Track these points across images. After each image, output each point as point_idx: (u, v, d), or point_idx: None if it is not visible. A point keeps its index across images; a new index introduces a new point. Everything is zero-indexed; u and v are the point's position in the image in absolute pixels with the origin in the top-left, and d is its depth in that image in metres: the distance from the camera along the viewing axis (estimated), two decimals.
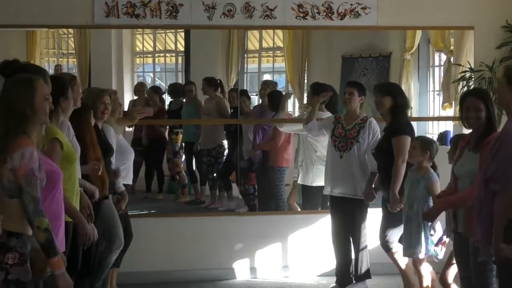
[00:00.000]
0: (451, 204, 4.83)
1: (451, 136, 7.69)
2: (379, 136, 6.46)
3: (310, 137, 7.23)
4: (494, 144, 4.09)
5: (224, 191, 9.18)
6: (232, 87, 9.50)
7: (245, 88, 9.69)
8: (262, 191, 8.47)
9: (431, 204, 5.50)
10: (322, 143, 7.20)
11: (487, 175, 4.00)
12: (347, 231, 6.57)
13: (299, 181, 7.61)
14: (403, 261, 5.98)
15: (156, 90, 9.88)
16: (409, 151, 5.74)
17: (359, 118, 6.55)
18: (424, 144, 5.68)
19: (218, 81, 9.36)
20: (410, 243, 5.63)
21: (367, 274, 6.58)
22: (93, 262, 5.38)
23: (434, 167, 5.72)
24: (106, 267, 5.72)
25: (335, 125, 6.62)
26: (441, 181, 5.61)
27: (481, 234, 4.10)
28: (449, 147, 5.67)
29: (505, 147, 3.95)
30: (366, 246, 6.54)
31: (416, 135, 6.28)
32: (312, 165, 7.42)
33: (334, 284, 6.66)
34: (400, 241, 5.93)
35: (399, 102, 6.10)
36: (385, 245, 6.04)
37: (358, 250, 6.53)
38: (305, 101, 8.35)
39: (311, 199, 7.56)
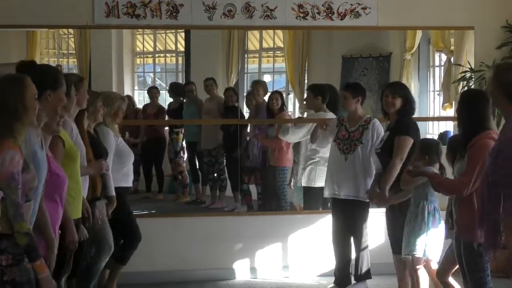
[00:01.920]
0: (442, 184, 4.87)
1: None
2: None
3: (319, 148, 7.24)
4: (495, 147, 4.07)
5: (224, 191, 9.19)
6: (227, 86, 9.48)
7: (245, 88, 9.70)
8: (265, 191, 8.46)
9: (436, 204, 5.52)
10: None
11: (490, 179, 3.98)
12: (347, 231, 6.56)
13: (303, 183, 7.59)
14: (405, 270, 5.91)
15: (157, 90, 9.95)
16: (411, 162, 5.63)
17: (362, 120, 6.54)
18: (423, 148, 5.65)
19: None
20: (414, 241, 5.60)
21: (368, 274, 6.57)
22: (82, 263, 5.34)
23: (441, 167, 5.67)
24: (95, 272, 5.66)
25: (338, 128, 6.61)
26: None
27: (485, 238, 4.08)
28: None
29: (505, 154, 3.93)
30: (367, 246, 6.53)
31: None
32: (315, 166, 7.42)
33: (332, 285, 6.66)
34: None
35: (409, 105, 6.04)
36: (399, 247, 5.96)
37: (359, 250, 6.52)
38: (305, 101, 8.33)
39: (312, 200, 7.55)
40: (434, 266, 5.64)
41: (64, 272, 4.50)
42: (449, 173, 5.42)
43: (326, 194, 6.67)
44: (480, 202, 4.11)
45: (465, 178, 4.58)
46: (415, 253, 5.57)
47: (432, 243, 5.54)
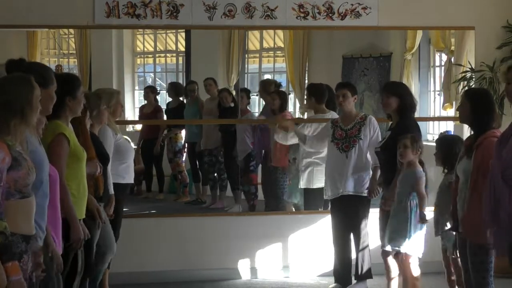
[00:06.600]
0: None
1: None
2: (379, 133, 6.48)
3: (312, 149, 7.21)
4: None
5: (224, 191, 9.19)
6: (222, 87, 9.47)
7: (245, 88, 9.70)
8: (266, 191, 8.45)
9: (416, 200, 5.56)
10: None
11: (504, 172, 3.98)
12: (347, 230, 6.55)
13: (302, 185, 7.58)
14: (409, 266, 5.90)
15: (152, 89, 9.94)
16: (401, 151, 5.64)
17: (358, 117, 6.56)
18: (415, 142, 5.66)
19: None
20: (396, 235, 5.60)
21: (369, 274, 6.55)
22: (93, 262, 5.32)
23: (421, 163, 5.71)
24: (99, 273, 5.59)
25: (333, 130, 6.60)
26: (431, 181, 5.64)
27: (495, 238, 4.08)
28: None
29: None
30: (367, 245, 6.50)
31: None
32: (314, 167, 7.41)
33: (334, 284, 6.65)
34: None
35: (406, 103, 6.02)
36: None
37: (359, 249, 6.50)
38: (305, 102, 8.33)
39: (312, 201, 7.53)
40: (413, 261, 5.65)
41: (77, 272, 4.47)
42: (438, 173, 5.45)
43: (329, 195, 6.63)
44: (492, 201, 4.09)
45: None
46: (400, 249, 5.58)
47: (414, 239, 5.56)
